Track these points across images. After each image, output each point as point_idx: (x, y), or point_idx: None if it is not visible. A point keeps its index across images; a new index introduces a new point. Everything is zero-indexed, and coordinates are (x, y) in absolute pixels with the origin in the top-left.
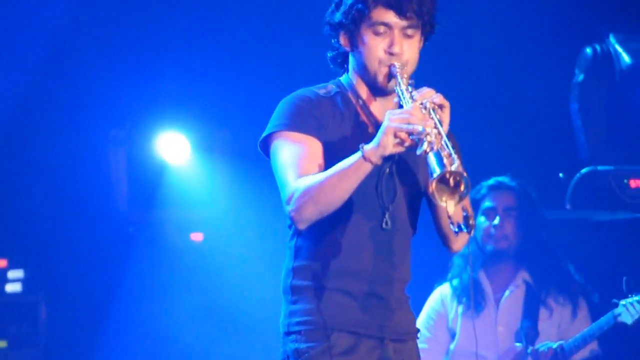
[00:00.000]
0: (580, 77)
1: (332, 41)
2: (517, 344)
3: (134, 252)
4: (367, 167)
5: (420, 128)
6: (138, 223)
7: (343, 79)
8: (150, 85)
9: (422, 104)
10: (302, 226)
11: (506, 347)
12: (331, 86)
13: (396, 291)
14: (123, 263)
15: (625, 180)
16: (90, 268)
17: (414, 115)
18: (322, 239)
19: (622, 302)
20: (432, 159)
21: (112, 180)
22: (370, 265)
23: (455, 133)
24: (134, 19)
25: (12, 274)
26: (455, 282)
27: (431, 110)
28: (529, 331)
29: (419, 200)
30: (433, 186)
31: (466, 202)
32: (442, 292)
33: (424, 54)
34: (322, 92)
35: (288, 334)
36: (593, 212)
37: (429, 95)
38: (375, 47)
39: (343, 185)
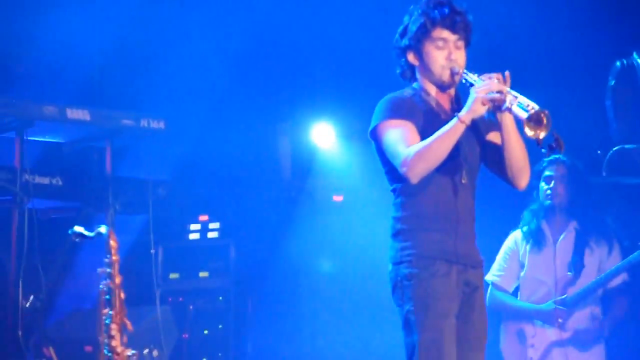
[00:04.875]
0: (612, 82)
1: (401, 61)
2: (569, 273)
3: (296, 209)
4: (462, 128)
5: (500, 90)
6: (298, 188)
7: (415, 85)
8: (305, 88)
9: (490, 78)
10: (415, 181)
11: (561, 275)
12: (408, 91)
13: (472, 230)
14: (287, 216)
15: None
16: (266, 221)
17: (492, 85)
18: (418, 193)
19: None
20: (516, 109)
21: (280, 159)
22: (455, 211)
23: None
24: (293, 31)
25: (212, 225)
26: (525, 228)
27: (498, 81)
28: (577, 263)
29: (480, 162)
30: (525, 127)
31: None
32: (516, 236)
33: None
34: (405, 93)
35: (400, 263)
36: (622, 178)
37: (492, 75)
38: (438, 57)
39: (446, 144)
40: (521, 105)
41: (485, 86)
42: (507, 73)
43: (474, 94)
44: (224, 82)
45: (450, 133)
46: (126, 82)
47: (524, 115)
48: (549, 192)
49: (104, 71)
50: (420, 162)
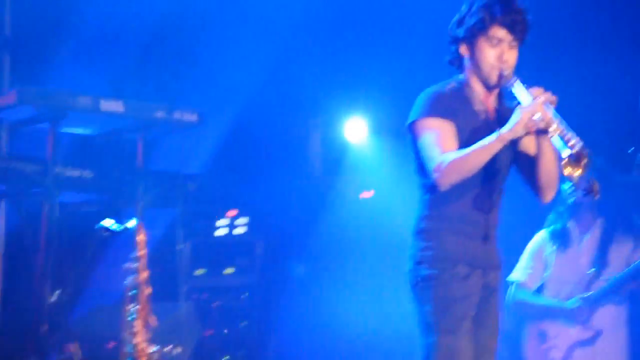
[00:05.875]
0: None
1: (452, 48)
2: (591, 270)
3: (324, 206)
4: (500, 146)
5: (544, 116)
6: (327, 185)
7: (461, 77)
8: (338, 83)
9: (537, 97)
10: (444, 188)
11: (585, 273)
12: (453, 83)
13: (495, 233)
14: (317, 212)
15: None
16: (295, 216)
17: (538, 109)
18: (448, 194)
19: None
20: (557, 142)
21: (310, 155)
22: (482, 216)
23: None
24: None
25: (240, 220)
26: (550, 229)
27: (546, 104)
28: (600, 261)
29: (511, 166)
30: (564, 163)
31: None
32: (542, 236)
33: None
34: (448, 87)
35: (420, 263)
36: None
37: (540, 92)
38: (490, 56)
39: (481, 158)
40: (563, 139)
41: (531, 110)
42: (551, 98)
43: (519, 114)
44: (256, 76)
45: (488, 148)
46: (160, 74)
47: (565, 152)
48: (570, 190)
49: (139, 63)
50: (454, 172)
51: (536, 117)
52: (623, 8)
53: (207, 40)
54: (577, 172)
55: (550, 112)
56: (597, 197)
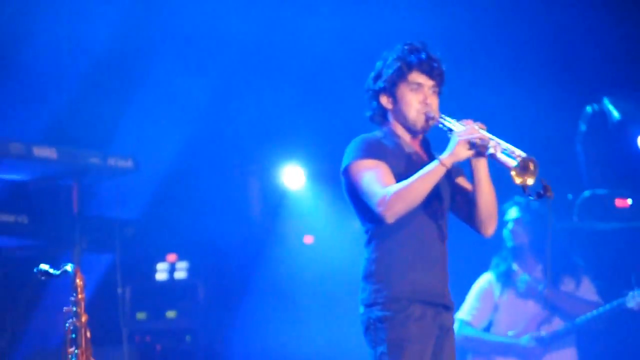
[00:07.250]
0: (583, 127)
1: (373, 104)
2: (544, 311)
3: (265, 250)
4: (442, 171)
5: (482, 136)
6: (267, 229)
7: (386, 128)
8: (275, 130)
9: (469, 123)
10: (391, 221)
11: (535, 313)
12: (379, 133)
13: (445, 271)
14: (257, 258)
15: (613, 200)
16: (235, 261)
17: (473, 130)
18: (392, 234)
19: (631, 293)
20: (501, 156)
21: (251, 199)
22: (430, 252)
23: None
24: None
25: (180, 264)
26: (496, 271)
27: (480, 128)
28: (551, 304)
29: (450, 205)
30: (513, 174)
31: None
32: (488, 279)
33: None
34: (376, 134)
35: (372, 305)
36: (592, 222)
37: (470, 121)
38: (413, 101)
39: (426, 186)
40: (506, 152)
41: (468, 130)
42: (481, 125)
43: (456, 137)
44: (195, 121)
45: (431, 174)
46: (95, 120)
47: (511, 162)
48: (509, 234)
49: (74, 108)
50: (399, 203)
51: (473, 137)
52: (560, 56)
53: (143, 85)
54: (528, 179)
55: (485, 133)
56: (551, 195)
